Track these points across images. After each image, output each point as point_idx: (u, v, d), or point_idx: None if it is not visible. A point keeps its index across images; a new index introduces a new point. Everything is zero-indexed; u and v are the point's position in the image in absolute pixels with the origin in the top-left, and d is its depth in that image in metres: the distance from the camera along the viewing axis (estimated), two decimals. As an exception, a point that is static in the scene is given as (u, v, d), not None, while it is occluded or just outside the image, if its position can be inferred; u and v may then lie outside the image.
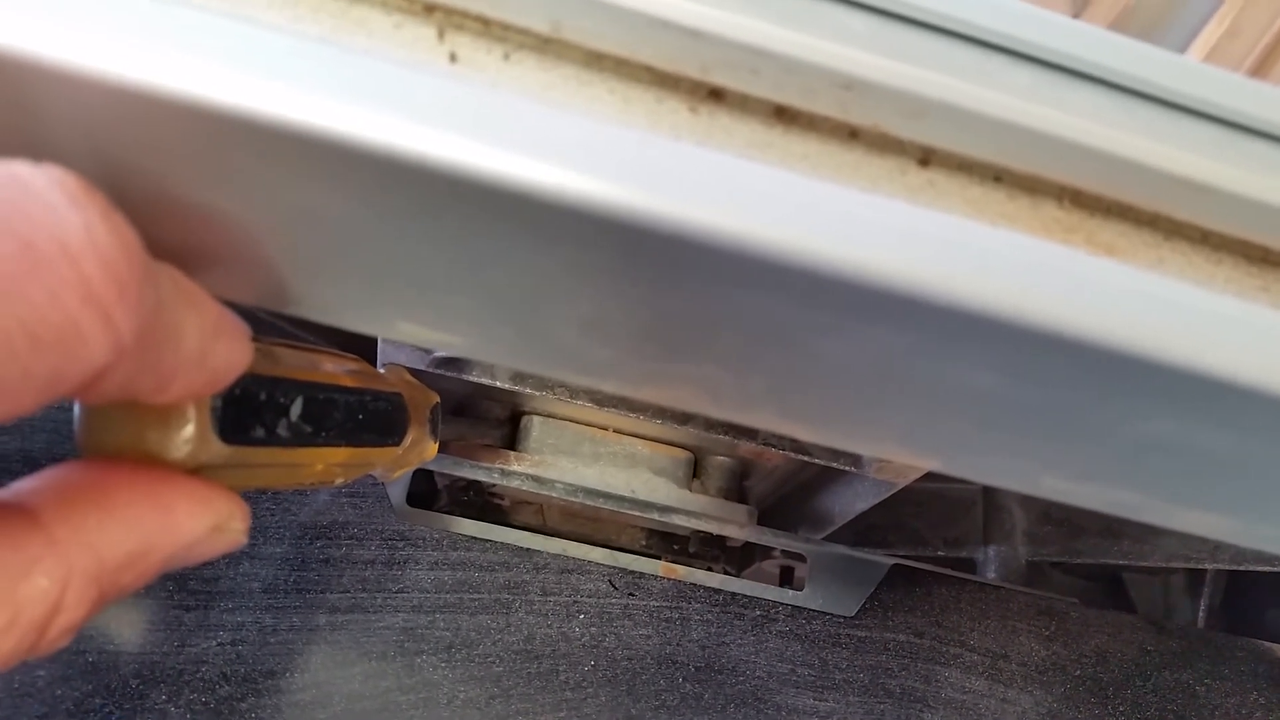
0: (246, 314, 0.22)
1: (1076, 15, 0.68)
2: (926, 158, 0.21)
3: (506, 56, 0.20)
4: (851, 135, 0.21)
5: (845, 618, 0.50)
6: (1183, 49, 0.66)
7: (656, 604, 0.48)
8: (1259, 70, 0.66)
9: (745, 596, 0.49)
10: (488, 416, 0.52)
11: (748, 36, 0.20)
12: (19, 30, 0.16)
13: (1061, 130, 0.21)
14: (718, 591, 0.49)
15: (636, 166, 0.18)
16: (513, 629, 0.46)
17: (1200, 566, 0.63)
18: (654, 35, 0.20)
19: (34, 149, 0.18)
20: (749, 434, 0.49)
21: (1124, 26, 0.68)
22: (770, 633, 0.48)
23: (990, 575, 0.67)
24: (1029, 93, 0.21)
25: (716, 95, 0.20)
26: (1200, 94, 0.21)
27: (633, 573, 0.49)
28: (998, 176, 0.21)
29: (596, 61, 0.20)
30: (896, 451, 0.27)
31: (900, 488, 0.46)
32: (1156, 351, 0.19)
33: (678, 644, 0.47)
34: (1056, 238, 0.21)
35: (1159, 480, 0.24)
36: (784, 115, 0.20)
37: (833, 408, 0.24)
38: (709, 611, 0.48)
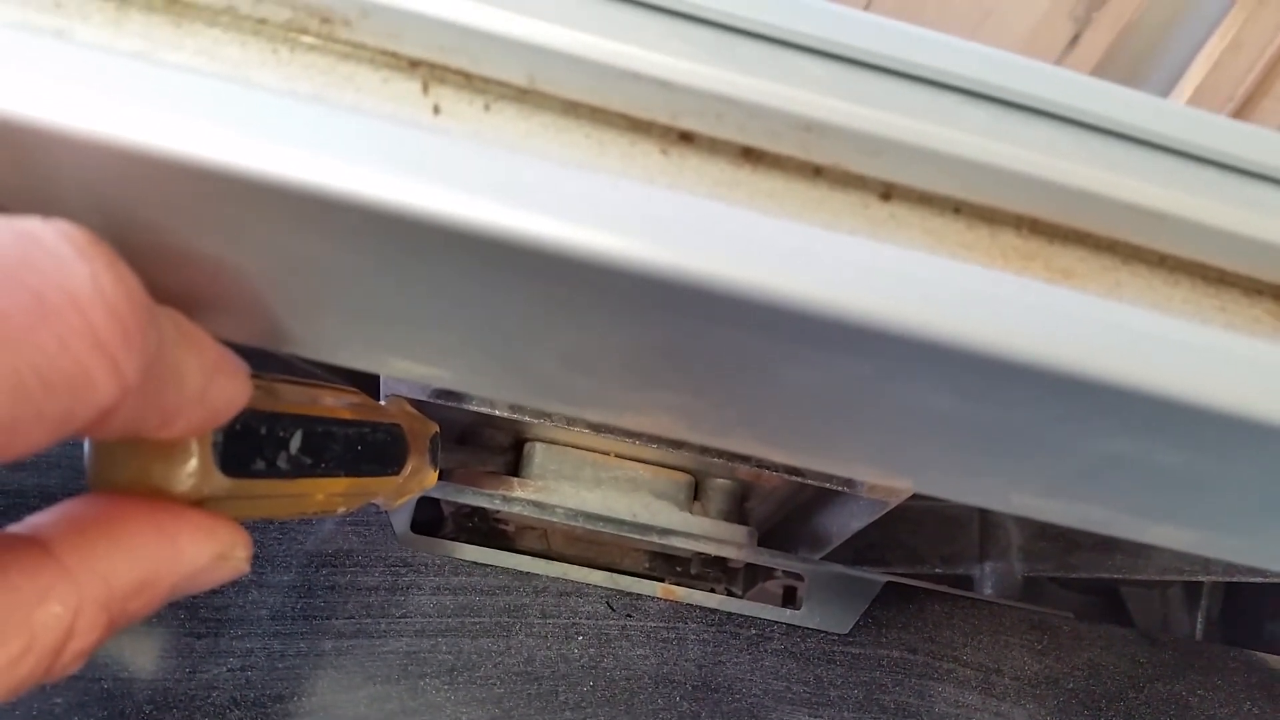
0: (252, 351, 0.23)
1: (1078, 33, 0.69)
2: (888, 192, 0.22)
3: (487, 107, 0.21)
4: (815, 173, 0.22)
5: (839, 635, 0.50)
6: (1186, 64, 0.67)
7: (654, 624, 0.49)
8: (1263, 83, 0.66)
9: (741, 616, 0.50)
10: (491, 444, 0.53)
11: (712, 85, 0.21)
12: (27, 97, 0.17)
13: (1017, 164, 0.22)
14: (714, 611, 0.50)
15: (611, 211, 0.19)
16: (513, 651, 0.46)
17: (1195, 579, 0.64)
18: (624, 85, 0.21)
19: (43, 205, 0.19)
20: (744, 457, 0.50)
21: (1126, 42, 0.68)
22: (766, 651, 0.49)
23: (987, 591, 0.68)
24: (984, 129, 0.22)
25: (686, 138, 0.21)
26: (1151, 126, 0.22)
27: (630, 594, 0.50)
28: (957, 208, 0.22)
29: (572, 110, 0.21)
30: (869, 473, 0.28)
31: (893, 507, 0.46)
32: (1107, 374, 0.20)
33: (675, 663, 0.48)
34: (1014, 265, 0.22)
35: (1122, 496, 0.25)
36: (750, 156, 0.21)
37: (803, 432, 0.25)
38: (705, 631, 0.49)
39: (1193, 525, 0.26)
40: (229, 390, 0.22)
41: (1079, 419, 0.22)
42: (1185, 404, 0.20)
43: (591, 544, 0.55)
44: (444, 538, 0.51)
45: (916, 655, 0.50)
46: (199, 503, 0.24)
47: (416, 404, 0.38)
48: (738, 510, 0.56)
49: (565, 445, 0.52)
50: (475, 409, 0.46)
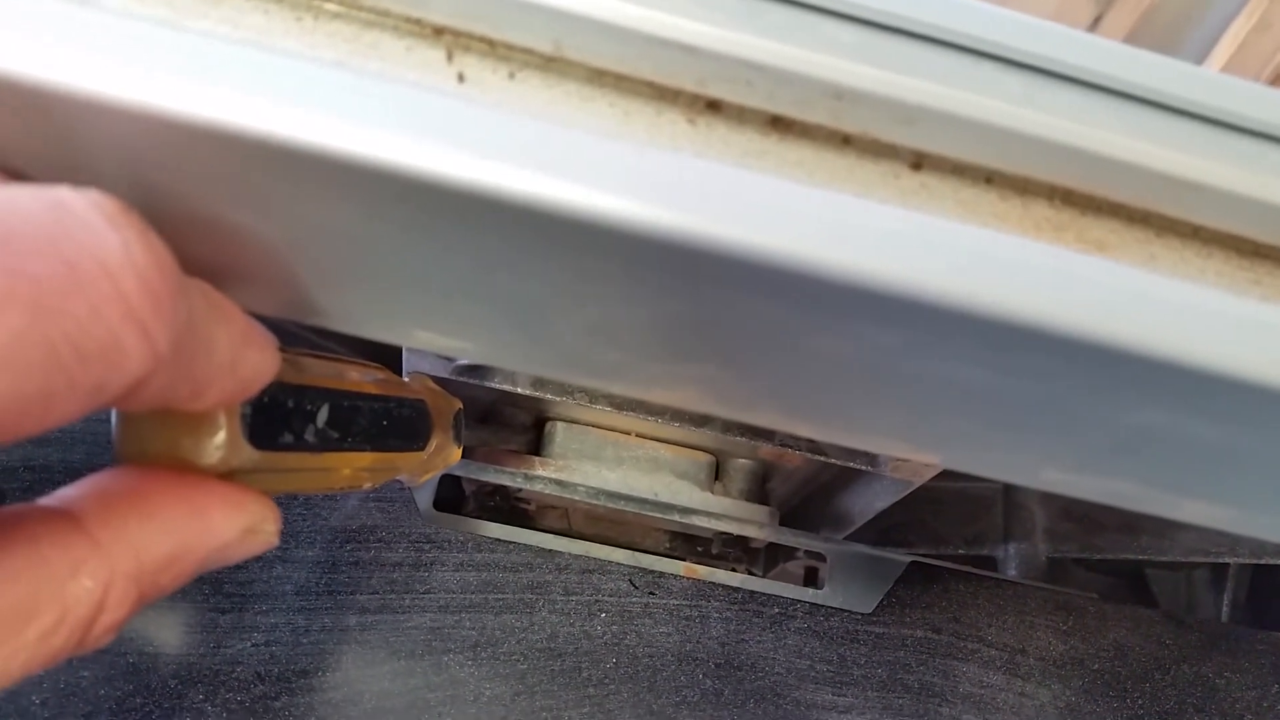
0: (277, 328, 0.23)
1: (1100, 15, 0.68)
2: (919, 162, 0.22)
3: (512, 75, 0.21)
4: (845, 142, 0.21)
5: (863, 615, 0.50)
6: (1211, 45, 0.66)
7: (676, 602, 0.49)
8: (1291, 63, 0.65)
9: (764, 595, 0.50)
10: (513, 423, 0.53)
11: (740, 51, 0.20)
12: (54, 64, 0.17)
13: (1051, 133, 0.21)
14: (736, 590, 0.50)
15: (638, 178, 0.19)
16: (536, 628, 0.47)
17: (1221, 561, 0.63)
18: (651, 52, 0.20)
19: (75, 175, 0.19)
20: (767, 435, 0.49)
21: (1149, 24, 0.67)
22: (789, 630, 0.49)
23: (1011, 573, 0.67)
24: (1018, 97, 0.21)
25: (714, 107, 0.21)
26: (1186, 94, 0.22)
27: (653, 572, 0.50)
28: (989, 178, 0.22)
29: (597, 78, 0.21)
30: (898, 447, 0.28)
31: (916, 486, 0.46)
32: (1140, 345, 0.19)
33: (697, 641, 0.48)
34: (1047, 236, 0.22)
35: (1155, 470, 0.25)
36: (779, 124, 0.21)
37: (832, 405, 0.25)
38: (728, 609, 0.49)
39: (1226, 501, 0.26)
40: (257, 362, 0.22)
41: (1112, 391, 0.21)
42: (1220, 375, 0.20)
43: (613, 523, 0.55)
44: (467, 515, 0.51)
45: (941, 635, 0.50)
46: (227, 475, 0.24)
47: (439, 381, 0.38)
48: (759, 490, 0.55)
49: (586, 425, 0.52)
50: (497, 387, 0.46)
